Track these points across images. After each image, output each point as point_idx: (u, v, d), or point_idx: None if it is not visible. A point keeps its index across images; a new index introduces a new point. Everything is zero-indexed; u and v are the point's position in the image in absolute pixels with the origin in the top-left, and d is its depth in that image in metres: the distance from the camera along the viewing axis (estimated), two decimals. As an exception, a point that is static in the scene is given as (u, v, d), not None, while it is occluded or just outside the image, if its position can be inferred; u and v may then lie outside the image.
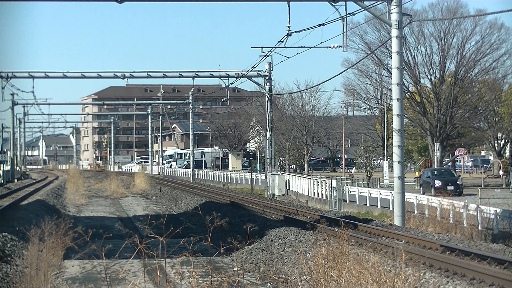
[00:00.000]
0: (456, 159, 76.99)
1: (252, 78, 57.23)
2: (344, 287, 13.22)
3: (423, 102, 65.89)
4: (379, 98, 79.23)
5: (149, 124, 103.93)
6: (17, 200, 40.53)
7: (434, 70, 66.46)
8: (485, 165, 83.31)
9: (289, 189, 52.40)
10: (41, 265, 16.59)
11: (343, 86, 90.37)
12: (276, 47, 46.12)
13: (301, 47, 45.48)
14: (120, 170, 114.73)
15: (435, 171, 51.30)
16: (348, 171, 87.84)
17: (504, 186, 55.22)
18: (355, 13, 31.40)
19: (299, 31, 38.69)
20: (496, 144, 73.78)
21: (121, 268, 16.47)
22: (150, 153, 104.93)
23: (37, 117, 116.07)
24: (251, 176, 61.84)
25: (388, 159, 66.35)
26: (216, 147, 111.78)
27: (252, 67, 55.03)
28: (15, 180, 76.60)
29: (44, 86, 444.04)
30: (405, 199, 29.73)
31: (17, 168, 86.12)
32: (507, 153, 75.25)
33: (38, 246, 17.83)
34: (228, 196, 46.59)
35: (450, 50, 65.83)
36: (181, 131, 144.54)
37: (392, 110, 34.83)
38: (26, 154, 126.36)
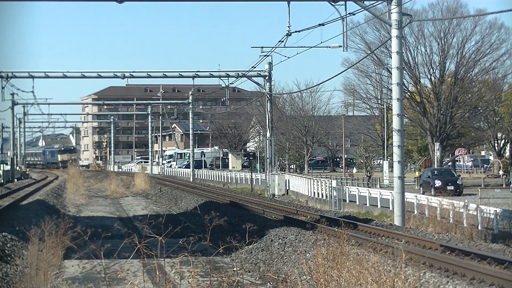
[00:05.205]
0: (456, 159, 77.02)
1: (252, 78, 57.22)
2: (344, 287, 13.20)
3: (423, 102, 65.89)
4: (379, 98, 79.34)
5: (149, 124, 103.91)
6: (17, 200, 40.49)
7: (434, 70, 66.53)
8: (485, 165, 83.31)
9: (289, 189, 52.36)
10: (41, 265, 16.58)
11: (343, 86, 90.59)
12: (276, 47, 46.16)
13: (301, 47, 45.54)
14: (120, 170, 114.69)
15: (435, 171, 51.29)
16: (348, 171, 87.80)
17: (504, 186, 55.16)
18: (355, 13, 31.45)
19: (299, 31, 38.72)
20: (496, 144, 73.78)
21: (121, 268, 16.44)
22: (150, 153, 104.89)
23: (37, 117, 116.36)
24: (251, 176, 61.81)
25: (388, 159, 66.33)
26: (216, 147, 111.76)
27: (252, 67, 55.05)
28: (15, 180, 76.62)
29: (44, 86, 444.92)
30: (405, 199, 29.70)
31: (17, 168, 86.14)
32: (507, 153, 75.27)
33: (38, 246, 17.81)
34: (228, 196, 46.57)
35: (450, 50, 65.90)
36: (181, 131, 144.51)
37: (392, 110, 34.81)
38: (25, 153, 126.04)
